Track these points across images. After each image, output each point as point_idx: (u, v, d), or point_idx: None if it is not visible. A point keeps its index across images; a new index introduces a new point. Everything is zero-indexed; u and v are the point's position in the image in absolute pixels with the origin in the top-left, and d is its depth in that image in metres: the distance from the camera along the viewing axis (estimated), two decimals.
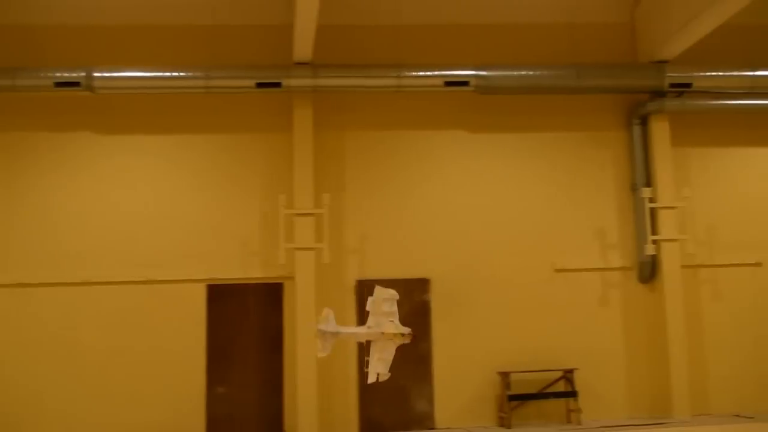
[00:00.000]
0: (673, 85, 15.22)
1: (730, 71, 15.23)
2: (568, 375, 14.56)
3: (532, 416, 14.56)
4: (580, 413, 14.35)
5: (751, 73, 15.21)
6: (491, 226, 15.16)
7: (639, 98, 15.58)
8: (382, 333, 9.19)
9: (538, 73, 14.94)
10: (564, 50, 15.64)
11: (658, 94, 15.39)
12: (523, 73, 14.90)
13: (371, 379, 9.06)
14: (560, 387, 14.59)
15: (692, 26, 14.10)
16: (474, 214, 15.16)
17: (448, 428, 14.18)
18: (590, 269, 15.28)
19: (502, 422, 14.23)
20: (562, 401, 14.61)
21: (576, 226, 15.37)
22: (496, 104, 15.38)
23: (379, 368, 9.09)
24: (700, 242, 15.53)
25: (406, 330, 9.24)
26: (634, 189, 15.48)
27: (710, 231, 15.61)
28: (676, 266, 15.08)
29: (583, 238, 15.37)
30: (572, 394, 14.46)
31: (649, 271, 15.18)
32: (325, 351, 9.31)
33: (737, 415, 14.66)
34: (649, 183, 15.34)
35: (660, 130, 15.43)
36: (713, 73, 15.21)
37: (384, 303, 9.28)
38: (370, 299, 9.34)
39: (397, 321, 9.29)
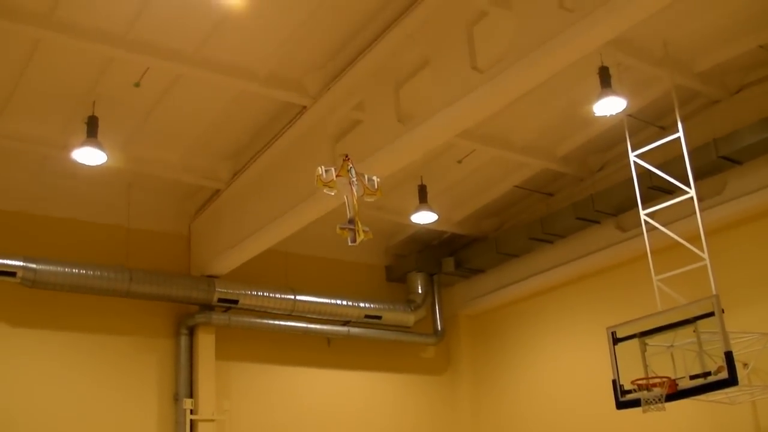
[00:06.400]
0: (221, 300, 15.76)
1: (274, 293, 16.24)
2: None
3: None
4: None
5: (292, 297, 16.36)
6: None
7: (189, 309, 15.83)
8: None
9: (90, 272, 14.53)
10: (120, 253, 15.40)
11: (207, 307, 15.80)
12: (75, 271, 14.39)
13: None
14: None
15: (242, 247, 14.97)
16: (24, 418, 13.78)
17: None
18: None
19: None
20: None
21: None
22: (44, 299, 14.53)
23: None
24: None
25: None
26: (176, 399, 15.32)
27: None
28: None
29: None
30: None
31: None
32: None
33: None
34: (191, 394, 15.33)
35: (206, 343, 15.69)
36: (259, 293, 16.07)
37: None
38: None
39: None
